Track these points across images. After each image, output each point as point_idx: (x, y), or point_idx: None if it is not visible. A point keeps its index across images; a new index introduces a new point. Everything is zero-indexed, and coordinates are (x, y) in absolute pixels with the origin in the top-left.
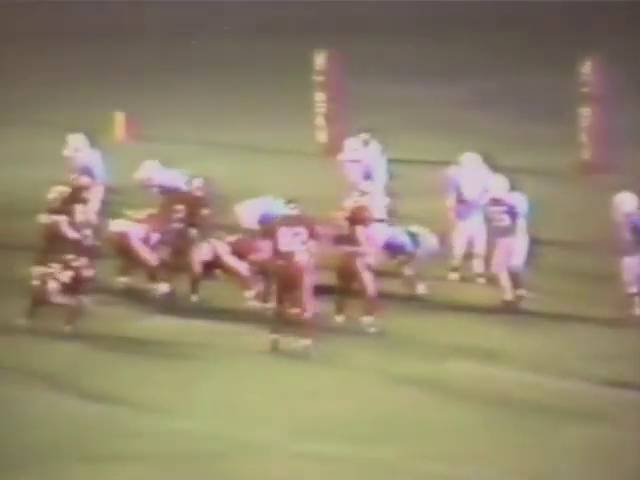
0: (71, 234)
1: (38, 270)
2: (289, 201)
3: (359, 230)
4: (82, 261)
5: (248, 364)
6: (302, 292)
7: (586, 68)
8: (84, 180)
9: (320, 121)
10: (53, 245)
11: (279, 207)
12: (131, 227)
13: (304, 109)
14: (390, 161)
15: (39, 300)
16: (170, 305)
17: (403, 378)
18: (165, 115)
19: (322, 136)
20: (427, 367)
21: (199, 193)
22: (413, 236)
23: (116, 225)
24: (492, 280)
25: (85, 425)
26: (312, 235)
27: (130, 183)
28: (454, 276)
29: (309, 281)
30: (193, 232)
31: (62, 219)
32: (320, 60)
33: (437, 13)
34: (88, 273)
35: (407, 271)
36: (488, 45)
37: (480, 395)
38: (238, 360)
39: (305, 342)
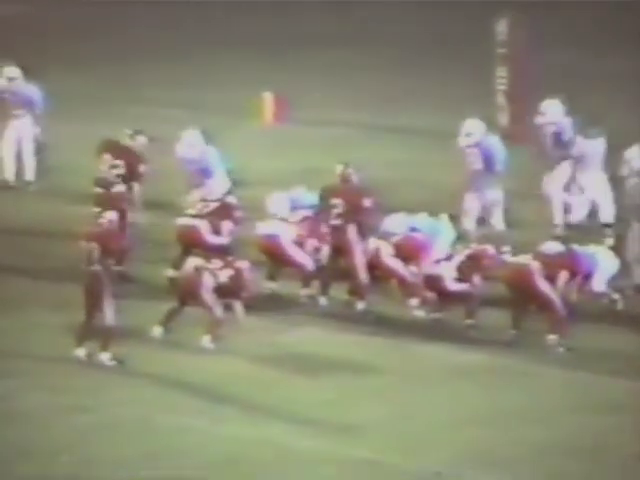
0: (214, 239)
1: (193, 261)
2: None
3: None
4: (245, 263)
5: (414, 384)
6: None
7: None
8: (230, 199)
9: (501, 100)
10: (190, 249)
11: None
12: (282, 229)
13: (482, 87)
14: None
15: (187, 294)
16: (327, 314)
17: (602, 404)
18: (319, 96)
19: (503, 118)
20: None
21: (355, 182)
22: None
23: (264, 227)
24: None
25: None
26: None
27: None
28: None
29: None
30: (353, 230)
31: (202, 224)
32: (502, 28)
33: None
34: (249, 276)
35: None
36: None
37: None
38: (404, 379)
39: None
